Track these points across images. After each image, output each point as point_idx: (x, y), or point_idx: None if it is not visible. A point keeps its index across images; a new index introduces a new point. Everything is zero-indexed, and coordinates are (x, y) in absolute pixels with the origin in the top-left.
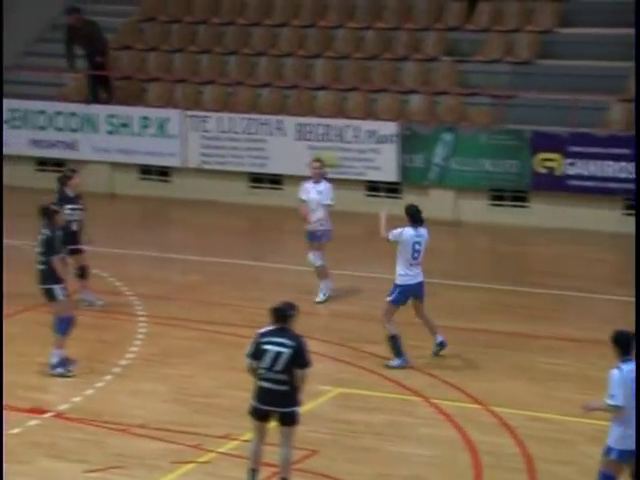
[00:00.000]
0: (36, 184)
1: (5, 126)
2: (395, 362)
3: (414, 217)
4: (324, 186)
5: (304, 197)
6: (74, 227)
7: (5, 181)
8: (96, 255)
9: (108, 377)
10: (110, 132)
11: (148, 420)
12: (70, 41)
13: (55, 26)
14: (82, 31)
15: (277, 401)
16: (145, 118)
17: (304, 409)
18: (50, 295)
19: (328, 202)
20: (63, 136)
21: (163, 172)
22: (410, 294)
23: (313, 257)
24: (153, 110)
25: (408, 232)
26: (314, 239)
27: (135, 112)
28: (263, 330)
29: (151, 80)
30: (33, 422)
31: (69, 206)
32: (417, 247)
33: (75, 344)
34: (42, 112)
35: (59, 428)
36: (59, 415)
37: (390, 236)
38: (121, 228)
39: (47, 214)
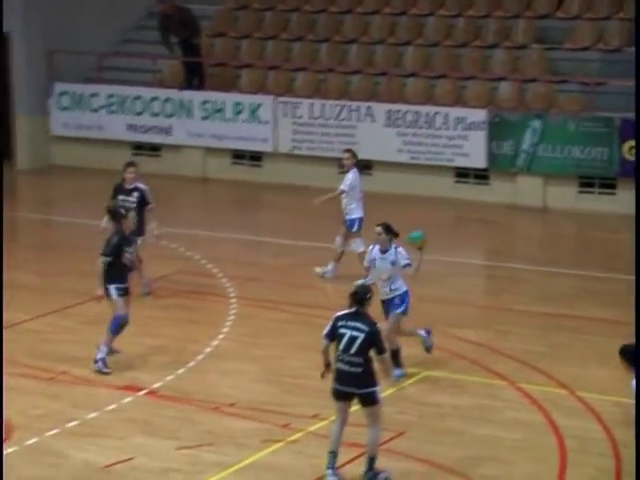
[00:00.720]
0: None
1: (103, 111)
2: (398, 372)
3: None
4: (351, 175)
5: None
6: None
7: (102, 164)
8: (188, 238)
9: (200, 357)
10: (204, 117)
11: (238, 399)
12: (164, 28)
13: (152, 14)
14: (175, 18)
15: (354, 382)
16: (238, 104)
17: (392, 392)
18: (107, 293)
19: (340, 187)
20: (158, 121)
21: (255, 157)
22: None
23: (355, 244)
24: (246, 96)
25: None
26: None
27: (228, 98)
28: (340, 313)
29: (244, 67)
30: (128, 399)
31: (121, 197)
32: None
33: (168, 324)
34: (138, 98)
35: (153, 406)
36: (153, 393)
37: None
38: (213, 211)
39: (115, 216)
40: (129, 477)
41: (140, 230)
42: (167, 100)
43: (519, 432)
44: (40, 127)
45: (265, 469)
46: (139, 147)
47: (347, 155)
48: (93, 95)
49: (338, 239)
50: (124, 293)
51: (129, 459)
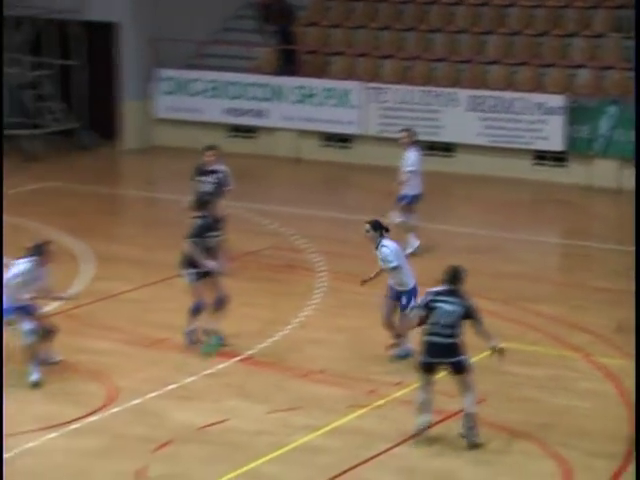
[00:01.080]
0: (228, 149)
1: (202, 95)
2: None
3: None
4: (409, 154)
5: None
6: (207, 198)
7: (201, 145)
8: (281, 215)
9: (290, 326)
10: (296, 102)
11: (327, 367)
12: (263, 18)
13: (249, 4)
14: (274, 7)
15: (445, 353)
16: (329, 89)
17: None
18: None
19: (408, 168)
20: (254, 105)
21: (344, 139)
22: None
23: (394, 216)
24: (336, 82)
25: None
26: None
27: (320, 84)
28: (434, 289)
29: (335, 54)
30: (224, 365)
31: (200, 177)
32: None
33: (262, 295)
34: (236, 83)
35: (246, 371)
36: (247, 359)
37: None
38: (305, 190)
39: (201, 203)
40: (223, 438)
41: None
42: (262, 85)
43: (593, 402)
44: (144, 110)
45: (351, 432)
46: (235, 129)
47: (404, 134)
48: (194, 80)
49: (399, 216)
50: (199, 278)
51: (223, 421)
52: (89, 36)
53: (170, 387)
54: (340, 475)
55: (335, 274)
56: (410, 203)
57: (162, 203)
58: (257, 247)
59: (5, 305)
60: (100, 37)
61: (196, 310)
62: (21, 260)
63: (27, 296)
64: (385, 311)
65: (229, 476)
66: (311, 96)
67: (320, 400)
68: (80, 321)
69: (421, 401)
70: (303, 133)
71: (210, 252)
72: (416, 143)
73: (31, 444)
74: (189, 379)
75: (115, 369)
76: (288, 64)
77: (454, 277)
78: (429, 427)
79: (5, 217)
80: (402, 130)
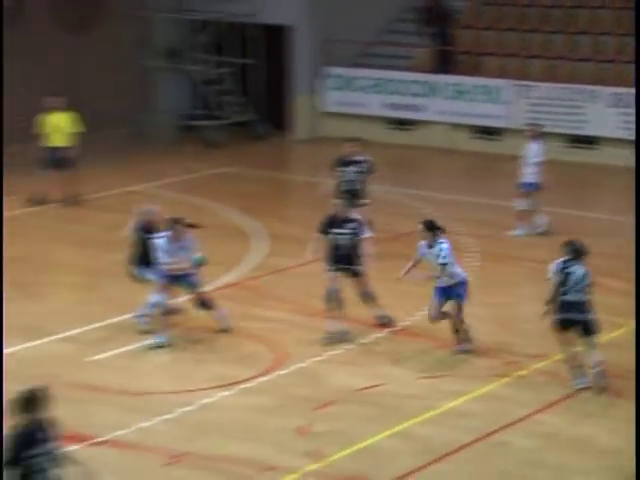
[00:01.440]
0: (388, 140)
1: (365, 91)
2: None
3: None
4: (532, 146)
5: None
6: (344, 186)
7: (363, 136)
8: (434, 200)
9: None
10: (450, 98)
11: (474, 339)
12: (424, 20)
13: (409, 9)
14: (435, 10)
15: (580, 309)
16: (481, 86)
17: (604, 339)
18: None
19: (532, 159)
20: (412, 100)
21: (494, 132)
22: None
23: (519, 203)
24: (488, 80)
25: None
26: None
27: (472, 81)
28: (562, 259)
29: (487, 54)
30: (379, 334)
31: (341, 168)
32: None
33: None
34: (396, 80)
35: (400, 341)
36: (402, 330)
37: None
38: (456, 178)
39: (344, 192)
40: (379, 400)
41: (363, 194)
42: (420, 82)
43: None
44: (313, 104)
45: (495, 399)
46: (394, 122)
47: (530, 127)
48: (358, 78)
49: (522, 201)
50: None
51: (379, 385)
52: (266, 38)
53: (332, 353)
54: (485, 437)
55: (484, 255)
56: (531, 190)
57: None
58: (411, 229)
59: (158, 273)
60: (275, 38)
61: (326, 298)
62: (159, 234)
63: (169, 266)
64: (433, 312)
65: (384, 434)
66: (464, 92)
67: (467, 368)
68: (253, 292)
69: (570, 359)
70: (456, 126)
71: (330, 250)
72: (540, 136)
73: (207, 400)
74: (348, 347)
75: (283, 335)
76: (444, 63)
77: (575, 249)
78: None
79: (188, 198)
80: (528, 124)
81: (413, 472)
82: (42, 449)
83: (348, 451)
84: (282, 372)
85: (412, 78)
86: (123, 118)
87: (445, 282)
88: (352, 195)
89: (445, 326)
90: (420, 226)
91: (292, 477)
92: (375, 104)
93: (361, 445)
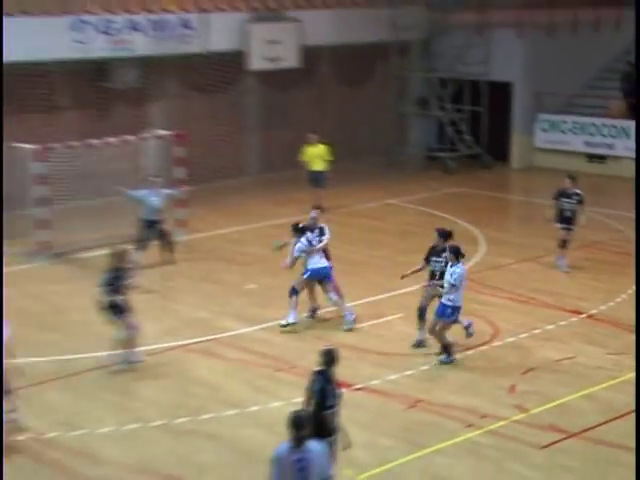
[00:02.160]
0: (586, 171)
1: (569, 132)
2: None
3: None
4: None
5: None
6: (567, 214)
7: (564, 167)
8: (624, 218)
9: (624, 295)
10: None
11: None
12: (620, 79)
13: (607, 69)
14: (632, 76)
15: None
16: None
17: None
18: None
19: None
20: (606, 140)
21: None
22: None
23: None
24: None
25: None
26: None
27: None
28: None
29: None
30: (573, 319)
31: (561, 199)
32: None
33: (604, 272)
34: (592, 124)
35: (590, 325)
36: (591, 316)
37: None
38: None
39: (564, 218)
40: (571, 369)
41: (576, 221)
42: (613, 127)
43: None
44: (528, 142)
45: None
46: (592, 157)
47: None
48: (564, 122)
49: None
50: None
51: (572, 357)
52: (491, 91)
53: (535, 331)
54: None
55: None
56: None
57: (535, 206)
58: (604, 238)
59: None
60: (499, 91)
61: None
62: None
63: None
64: (431, 325)
65: (574, 396)
66: None
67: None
68: (476, 282)
69: None
70: None
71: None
72: None
73: (424, 367)
74: (549, 326)
75: (498, 316)
76: (633, 112)
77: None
78: None
79: (430, 210)
80: None
81: (598, 426)
82: (335, 399)
83: (546, 407)
84: (497, 344)
85: (607, 123)
86: (383, 150)
87: (447, 301)
88: (569, 221)
89: (628, 313)
90: (447, 252)
91: (502, 423)
92: (577, 142)
93: (556, 403)
